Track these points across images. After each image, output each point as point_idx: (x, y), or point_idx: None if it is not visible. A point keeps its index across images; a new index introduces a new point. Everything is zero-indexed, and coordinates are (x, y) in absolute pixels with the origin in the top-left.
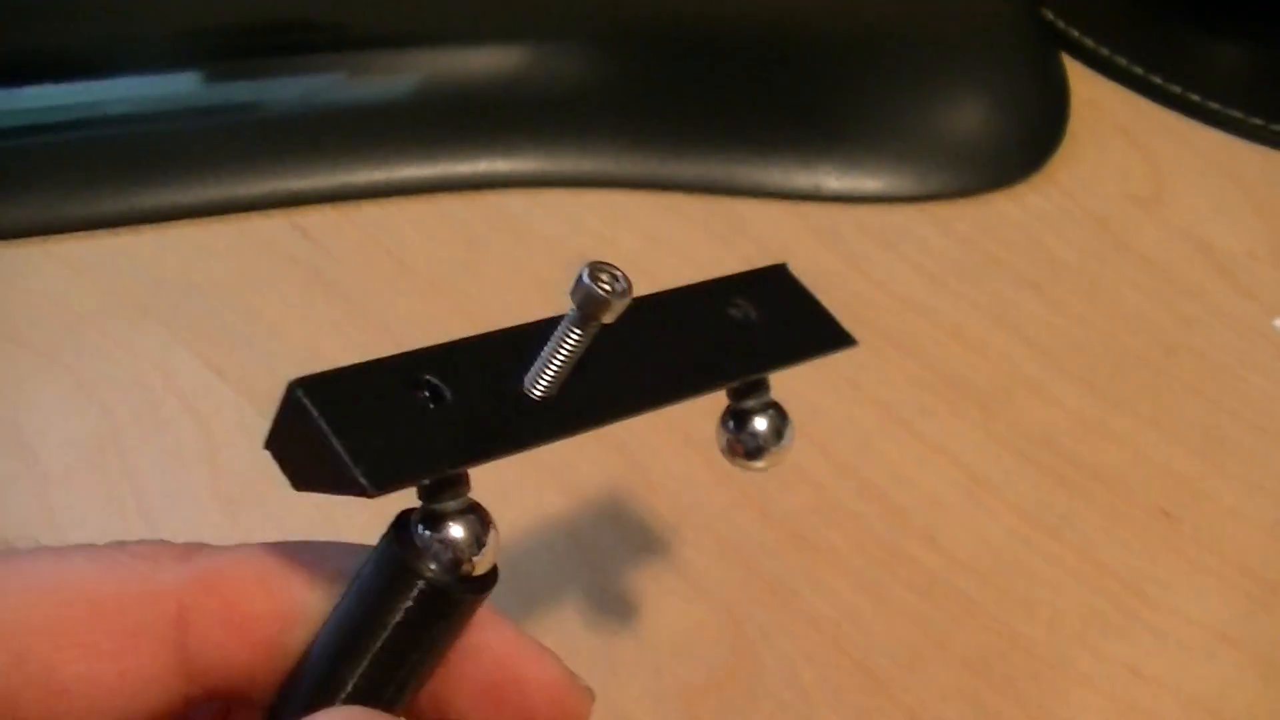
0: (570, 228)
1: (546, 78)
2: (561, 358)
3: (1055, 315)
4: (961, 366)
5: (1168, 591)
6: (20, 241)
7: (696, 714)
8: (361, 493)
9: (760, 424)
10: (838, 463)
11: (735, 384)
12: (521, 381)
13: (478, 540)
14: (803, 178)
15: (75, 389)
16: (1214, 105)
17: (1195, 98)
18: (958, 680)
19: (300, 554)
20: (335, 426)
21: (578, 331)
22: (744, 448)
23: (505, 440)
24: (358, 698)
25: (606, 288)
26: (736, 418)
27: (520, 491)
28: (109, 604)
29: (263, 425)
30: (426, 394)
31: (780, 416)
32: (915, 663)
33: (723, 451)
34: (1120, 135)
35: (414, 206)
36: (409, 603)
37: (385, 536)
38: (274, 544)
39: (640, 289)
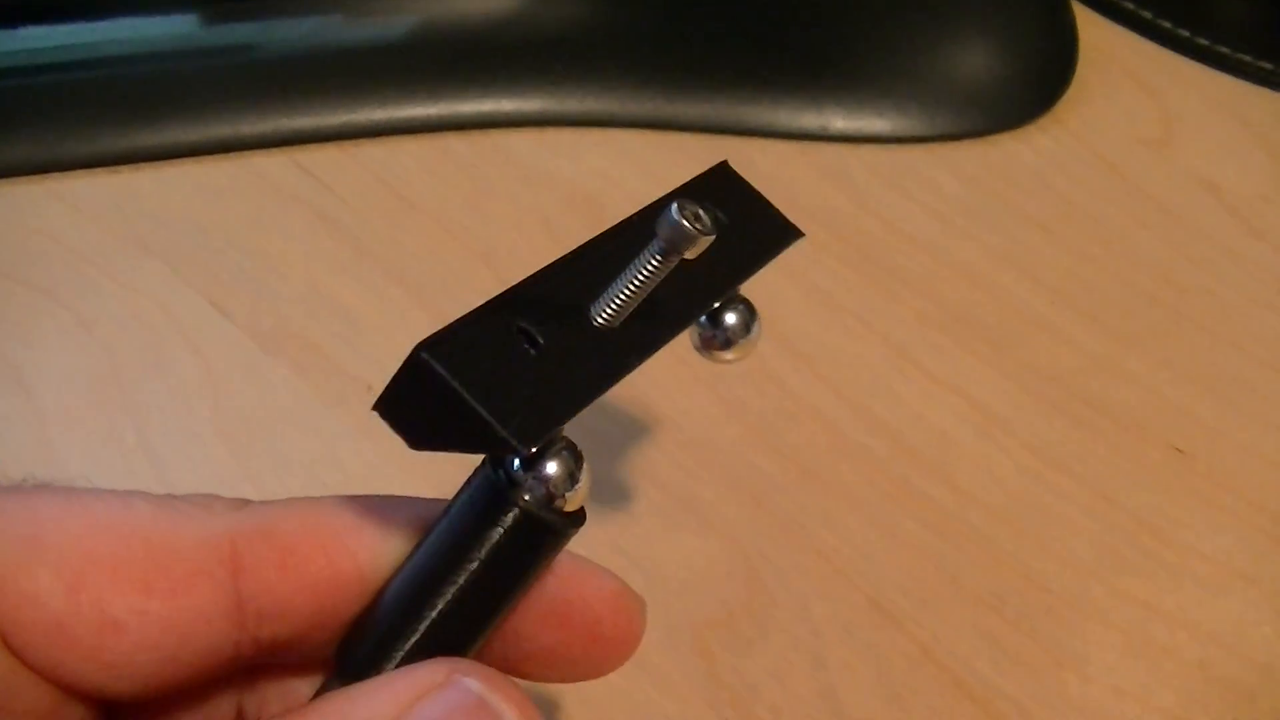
0: (575, 167)
1: (551, 16)
2: (634, 289)
3: (1065, 255)
4: (971, 305)
5: (1182, 528)
6: (21, 180)
7: (708, 648)
8: (507, 450)
9: (731, 318)
10: (848, 400)
11: (731, 291)
12: (589, 311)
13: (572, 476)
14: (810, 117)
15: (76, 326)
16: (1223, 49)
17: (1204, 42)
18: (971, 616)
19: (355, 506)
20: (470, 387)
21: (655, 264)
22: (716, 341)
23: (598, 379)
24: (436, 637)
25: (697, 225)
26: (709, 314)
27: None
28: (165, 543)
29: (268, 362)
30: (526, 342)
31: (749, 310)
32: (928, 598)
33: (695, 347)
34: (1129, 79)
35: (418, 145)
36: (503, 534)
37: (478, 472)
38: (329, 497)
39: None
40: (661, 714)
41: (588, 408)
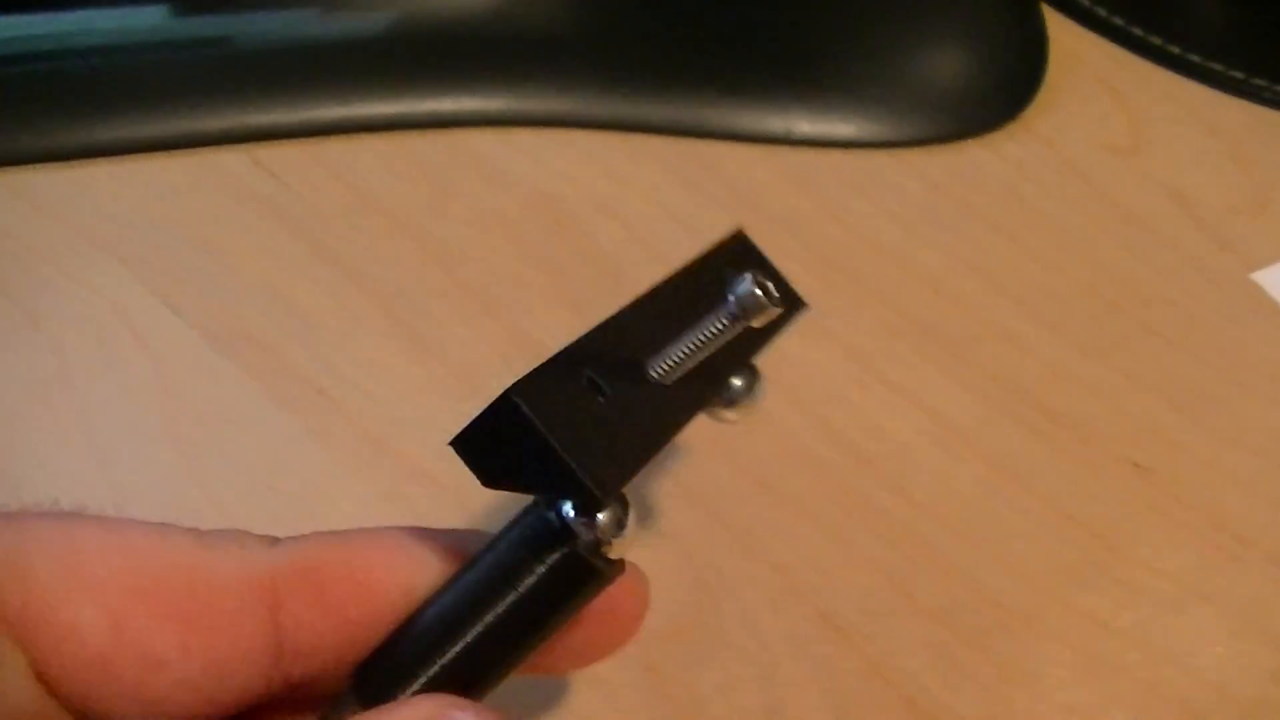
0: (538, 168)
1: (517, 15)
2: (695, 349)
3: (1030, 264)
4: (933, 314)
5: (1139, 544)
6: None
7: (655, 662)
8: (588, 499)
9: (736, 382)
10: (805, 409)
11: (755, 356)
12: (646, 365)
13: (620, 524)
14: (775, 121)
15: (24, 323)
16: (1194, 58)
17: (1176, 50)
18: (924, 631)
19: (387, 540)
20: (555, 432)
21: (720, 328)
22: (720, 400)
23: (659, 433)
24: (460, 668)
25: (769, 294)
26: None
27: None
28: (206, 579)
29: (220, 363)
30: (591, 388)
31: (753, 374)
32: (880, 613)
33: None
34: (1099, 86)
35: (379, 144)
36: (549, 574)
37: (530, 512)
38: (359, 531)
39: (610, 231)
40: None
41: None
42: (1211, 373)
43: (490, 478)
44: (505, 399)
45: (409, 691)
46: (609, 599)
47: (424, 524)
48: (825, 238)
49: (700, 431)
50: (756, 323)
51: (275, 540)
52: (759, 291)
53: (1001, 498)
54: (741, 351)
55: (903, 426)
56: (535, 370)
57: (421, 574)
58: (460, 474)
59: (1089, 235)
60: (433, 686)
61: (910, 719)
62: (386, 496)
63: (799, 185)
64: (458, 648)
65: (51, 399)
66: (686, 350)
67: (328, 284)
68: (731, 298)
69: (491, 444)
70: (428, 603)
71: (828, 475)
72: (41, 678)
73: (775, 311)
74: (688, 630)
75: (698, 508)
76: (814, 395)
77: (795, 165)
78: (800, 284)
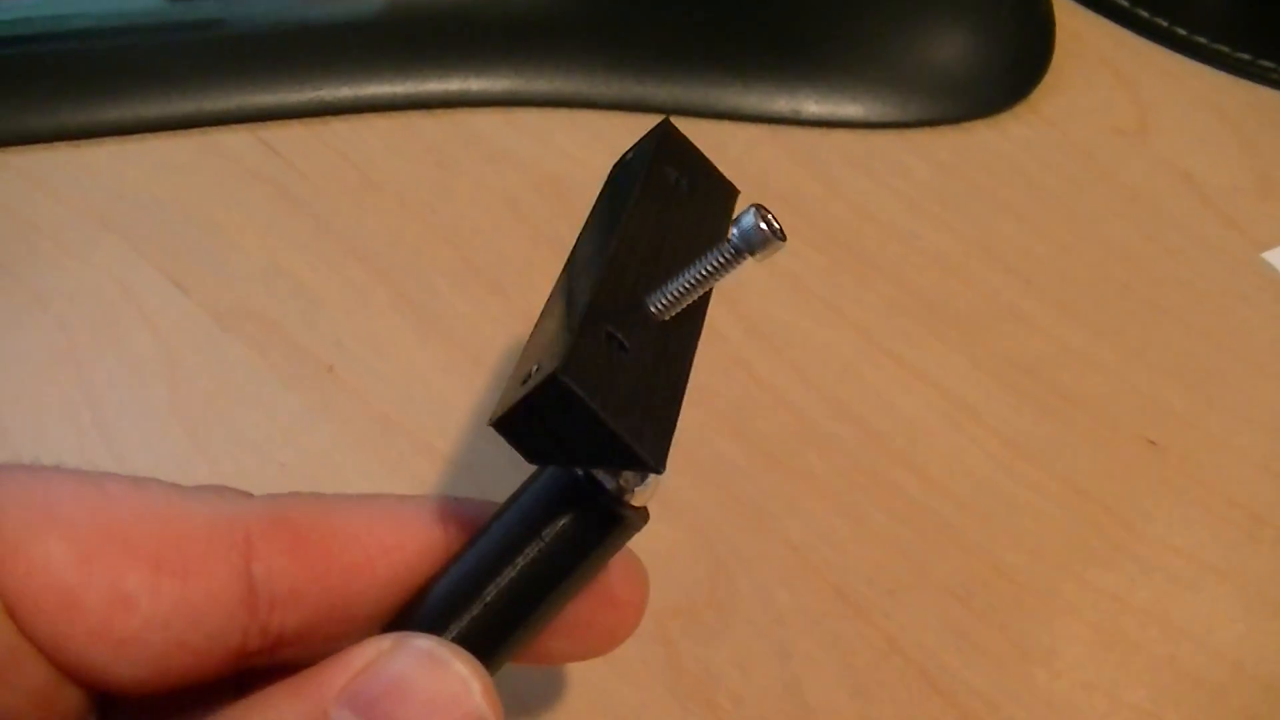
0: (542, 147)
1: None
2: (696, 284)
3: (1038, 243)
4: (942, 292)
5: (1153, 522)
6: None
7: (670, 638)
8: (644, 469)
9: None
10: (816, 387)
11: (721, 276)
12: (646, 303)
13: (642, 474)
14: (782, 101)
15: (31, 302)
16: (1201, 39)
17: (1182, 32)
18: (939, 607)
19: (367, 501)
20: (606, 408)
21: (723, 262)
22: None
23: (677, 377)
24: (490, 622)
25: (773, 228)
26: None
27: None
28: (179, 524)
29: (227, 341)
30: (619, 348)
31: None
32: (895, 589)
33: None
34: (1105, 68)
35: (384, 124)
36: (576, 525)
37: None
38: (339, 494)
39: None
40: (623, 702)
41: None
42: (1223, 352)
43: (536, 455)
44: (555, 381)
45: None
46: (608, 590)
47: None
48: (833, 217)
49: (710, 408)
50: (758, 259)
51: (252, 495)
52: (764, 225)
53: (1015, 474)
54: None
55: (913, 403)
56: (572, 345)
57: (402, 531)
58: (469, 449)
59: (1097, 216)
60: (462, 638)
61: (929, 694)
62: (395, 473)
63: (806, 165)
64: (484, 603)
65: (58, 377)
66: (687, 286)
67: (334, 262)
68: (736, 232)
69: (537, 423)
70: (451, 561)
71: (840, 452)
72: (12, 614)
73: (779, 246)
74: (703, 607)
75: (711, 485)
76: (824, 373)
77: (802, 145)
78: (807, 262)
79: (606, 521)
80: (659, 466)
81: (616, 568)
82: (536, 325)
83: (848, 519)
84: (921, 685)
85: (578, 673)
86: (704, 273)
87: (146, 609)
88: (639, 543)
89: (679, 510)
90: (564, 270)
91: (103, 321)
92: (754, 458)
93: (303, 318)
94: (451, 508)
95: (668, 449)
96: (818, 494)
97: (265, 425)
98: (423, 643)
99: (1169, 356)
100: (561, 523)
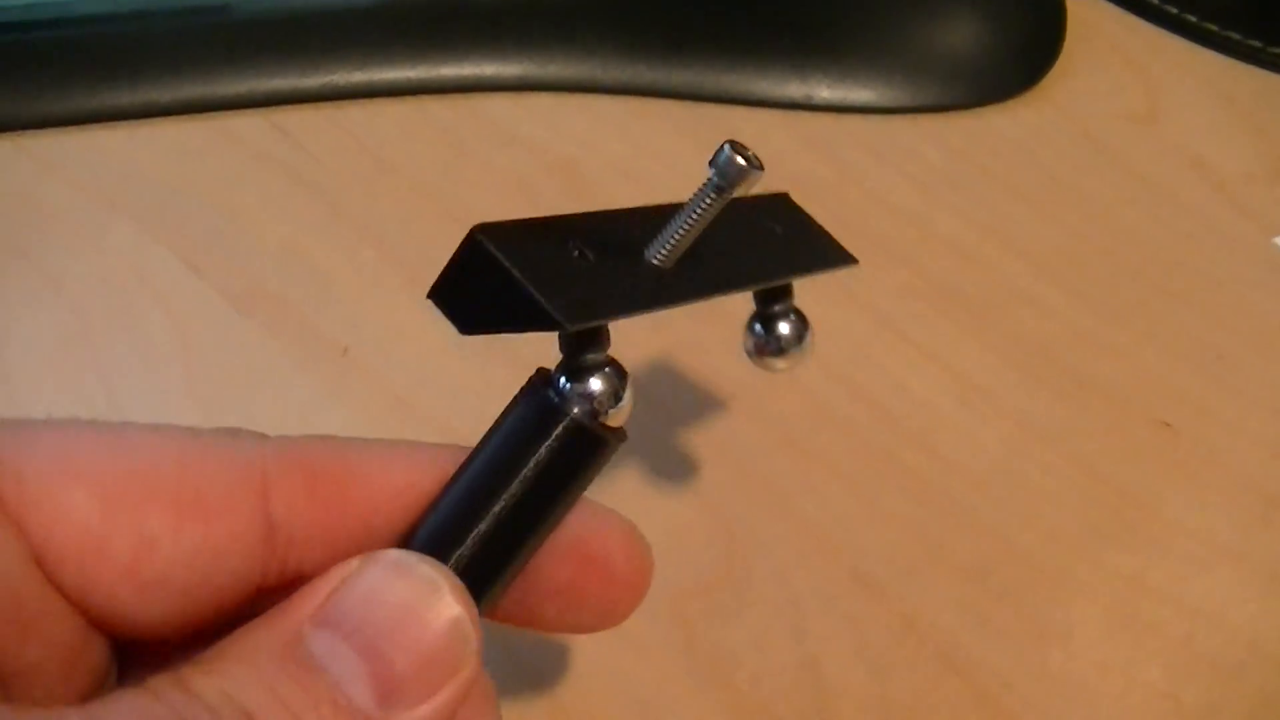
0: (555, 132)
1: None
2: (688, 226)
3: (1050, 229)
4: (955, 276)
5: (1167, 503)
6: None
7: (686, 617)
8: (553, 326)
9: (784, 328)
10: (830, 369)
11: (778, 282)
12: (646, 252)
13: (616, 394)
14: (794, 87)
15: (44, 286)
16: (1211, 27)
17: (1192, 19)
18: (954, 588)
19: (380, 442)
20: (521, 268)
21: (709, 201)
22: (769, 348)
23: (647, 298)
24: (485, 548)
25: (749, 160)
26: (764, 321)
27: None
28: (198, 467)
29: (241, 323)
30: (576, 253)
31: (802, 321)
32: (910, 570)
33: (749, 353)
34: (1116, 55)
35: (397, 108)
36: (553, 445)
37: (525, 389)
38: (354, 438)
39: (627, 195)
40: (639, 682)
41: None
42: (1235, 337)
43: (466, 324)
44: (470, 237)
45: None
46: (608, 565)
47: None
48: (845, 202)
49: (725, 390)
50: (739, 191)
51: (268, 436)
52: (740, 159)
53: (1029, 457)
54: (775, 270)
55: (928, 386)
56: (507, 221)
57: (416, 470)
58: (478, 431)
59: (1108, 201)
60: (457, 572)
61: (946, 674)
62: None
63: (818, 150)
64: (475, 533)
65: (72, 360)
66: (680, 230)
67: (348, 245)
68: (713, 170)
69: (464, 289)
70: (441, 494)
71: (854, 433)
72: (40, 564)
73: (757, 176)
74: (718, 587)
75: (727, 466)
76: (838, 355)
77: (814, 130)
78: None
79: (581, 442)
80: (569, 323)
81: (617, 544)
82: None
83: (862, 500)
84: (938, 665)
85: (595, 653)
86: (693, 215)
87: (170, 549)
88: (653, 523)
89: (694, 491)
90: None
91: (117, 304)
92: (769, 439)
93: (317, 300)
94: (464, 452)
95: (589, 317)
96: (833, 475)
97: (279, 407)
98: (389, 555)
99: (1181, 341)
100: (537, 446)
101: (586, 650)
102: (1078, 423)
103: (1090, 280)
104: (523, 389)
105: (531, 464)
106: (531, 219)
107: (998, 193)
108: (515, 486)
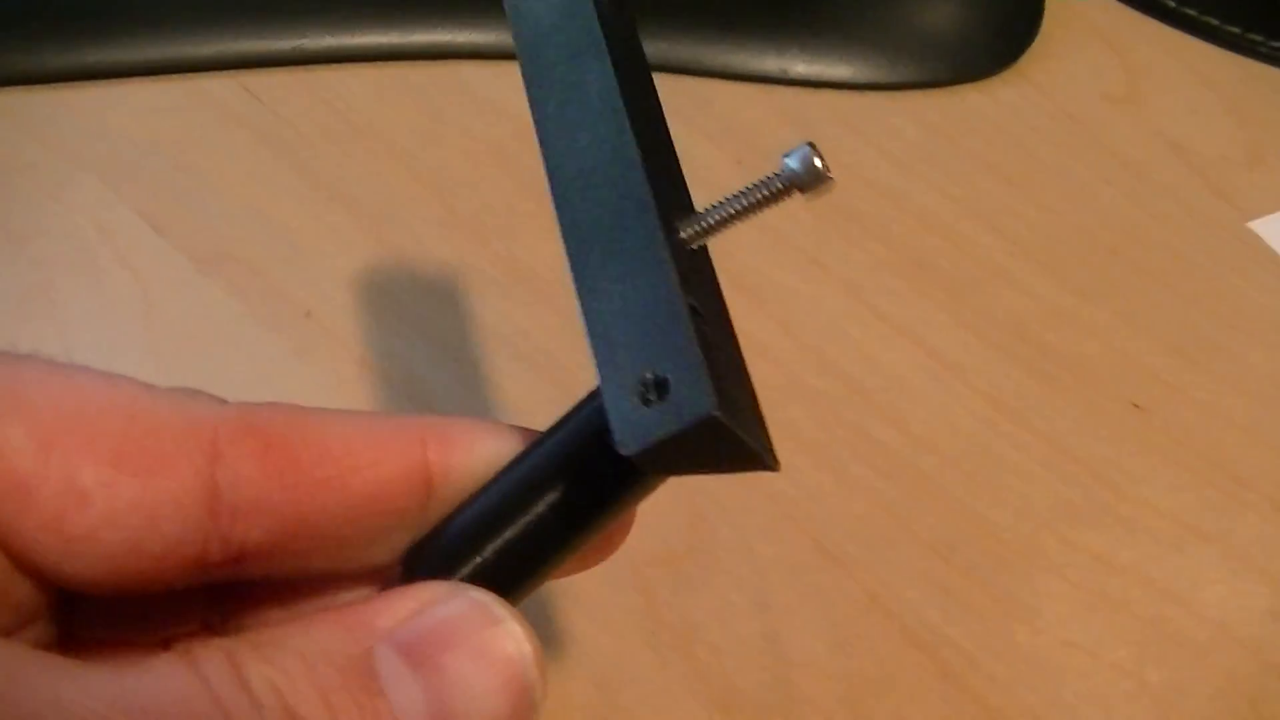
0: None
1: None
2: (737, 215)
3: (1026, 207)
4: (929, 252)
5: (1138, 483)
6: None
7: (650, 588)
8: (765, 469)
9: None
10: (800, 341)
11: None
12: (679, 232)
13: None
14: (771, 61)
15: (7, 241)
16: (1190, 11)
17: (1171, 3)
18: (921, 563)
19: (344, 415)
20: (742, 429)
21: (768, 195)
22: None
23: (727, 321)
24: (506, 559)
25: (825, 166)
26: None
27: (476, 363)
28: (145, 421)
29: (205, 284)
30: (699, 319)
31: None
32: (877, 544)
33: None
34: (1095, 36)
35: (370, 73)
36: (598, 474)
37: (579, 414)
38: (320, 408)
39: None
40: (598, 649)
41: None
42: (1210, 318)
43: (665, 468)
44: (709, 418)
45: (456, 576)
46: None
47: None
48: None
49: None
50: (806, 196)
51: (226, 401)
52: (819, 163)
53: (1000, 433)
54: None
55: (899, 360)
56: (710, 371)
57: (378, 449)
58: (447, 395)
59: (1085, 181)
60: (480, 572)
61: (909, 649)
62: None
63: (794, 124)
64: (506, 536)
65: (34, 316)
66: (727, 216)
67: (316, 208)
68: (791, 168)
69: (680, 451)
70: (480, 490)
71: (823, 406)
72: None
73: (829, 185)
74: (682, 556)
75: None
76: (809, 328)
77: (790, 104)
78: (793, 218)
79: (633, 474)
80: (777, 467)
81: None
82: (581, 263)
83: (830, 473)
84: (901, 640)
85: (555, 621)
86: (747, 205)
87: (101, 505)
88: None
89: None
90: (561, 177)
91: (79, 261)
92: None
93: (283, 262)
94: (433, 428)
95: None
96: (801, 448)
97: (243, 368)
98: (478, 595)
99: (1155, 321)
100: (590, 473)
101: (548, 619)
102: (1050, 401)
103: (1065, 259)
104: (577, 407)
105: (578, 489)
106: (692, 329)
107: (974, 170)
108: (556, 508)
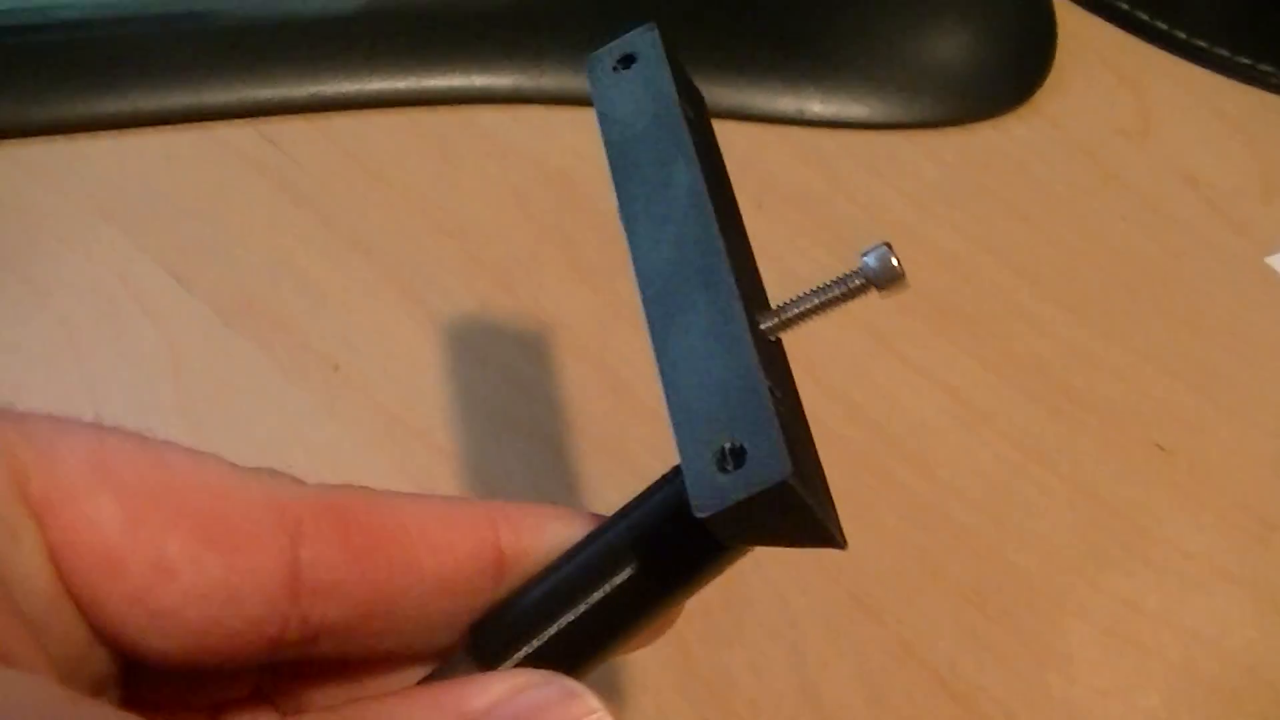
0: (548, 144)
1: None
2: (815, 309)
3: (1045, 245)
4: (950, 294)
5: (1164, 525)
6: None
7: (684, 641)
8: (834, 546)
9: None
10: (826, 387)
11: None
12: (760, 325)
13: None
14: (787, 101)
15: (31, 296)
16: (1201, 43)
17: (1182, 35)
18: (953, 611)
19: (420, 499)
20: (814, 500)
21: (846, 291)
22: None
23: (800, 408)
24: (578, 633)
25: (902, 268)
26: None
27: (503, 412)
28: (230, 499)
29: (230, 337)
30: (779, 401)
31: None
32: (909, 593)
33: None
34: (1107, 70)
35: (387, 119)
36: (679, 552)
37: (662, 488)
38: (396, 492)
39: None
40: (637, 707)
41: None
42: (1230, 356)
43: (735, 538)
44: (780, 484)
45: (521, 653)
46: None
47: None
48: (839, 216)
49: None
50: (883, 294)
51: (305, 482)
52: (896, 264)
53: (1025, 477)
54: None
55: (924, 405)
56: (783, 438)
57: (454, 531)
58: (476, 447)
59: (1102, 217)
60: (546, 651)
61: (945, 700)
62: (402, 470)
63: (812, 164)
64: (581, 610)
65: (59, 371)
66: (803, 310)
67: (338, 257)
68: (870, 268)
69: (752, 516)
70: (552, 566)
71: (851, 454)
72: (57, 570)
73: (903, 286)
74: (717, 609)
75: None
76: (834, 373)
77: (807, 145)
78: (814, 262)
79: (708, 547)
80: (844, 545)
81: None
82: (664, 341)
83: (859, 521)
84: (937, 690)
85: (590, 677)
86: (824, 300)
87: (187, 581)
88: None
89: None
90: (646, 266)
91: (104, 315)
92: None
93: (307, 313)
94: (503, 512)
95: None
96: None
97: (271, 423)
98: (570, 683)
99: (1176, 359)
100: (667, 547)
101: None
102: (1074, 443)
103: (1085, 297)
104: (656, 485)
105: (656, 566)
106: (776, 412)
107: (992, 208)
108: (630, 585)
